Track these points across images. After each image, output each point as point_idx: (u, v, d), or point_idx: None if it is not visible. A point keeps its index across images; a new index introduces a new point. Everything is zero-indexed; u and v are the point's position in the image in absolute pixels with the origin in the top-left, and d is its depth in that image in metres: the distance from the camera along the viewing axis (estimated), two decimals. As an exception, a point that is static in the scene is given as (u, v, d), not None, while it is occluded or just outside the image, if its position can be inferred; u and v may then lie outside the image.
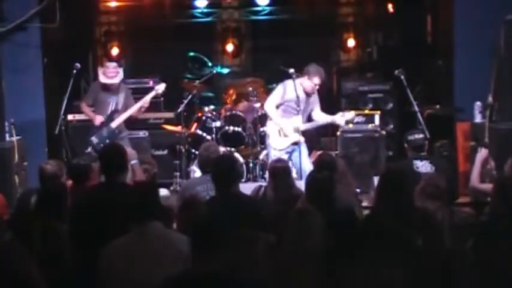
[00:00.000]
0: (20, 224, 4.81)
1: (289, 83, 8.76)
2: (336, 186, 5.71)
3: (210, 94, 12.15)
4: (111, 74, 9.06)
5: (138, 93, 9.50)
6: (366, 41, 13.40)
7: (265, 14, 12.86)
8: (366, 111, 10.47)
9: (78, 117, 10.34)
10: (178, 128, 10.27)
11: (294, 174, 8.27)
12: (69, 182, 6.31)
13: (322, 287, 4.17)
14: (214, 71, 11.74)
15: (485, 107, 8.49)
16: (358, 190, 7.52)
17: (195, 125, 10.41)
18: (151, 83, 10.69)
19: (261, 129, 9.82)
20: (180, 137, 10.24)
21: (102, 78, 9.07)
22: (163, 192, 8.61)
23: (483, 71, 8.57)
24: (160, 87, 9.25)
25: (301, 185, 6.27)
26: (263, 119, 9.59)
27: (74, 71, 9.25)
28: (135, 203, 4.42)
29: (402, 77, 9.11)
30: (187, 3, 12.65)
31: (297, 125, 8.65)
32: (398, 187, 5.24)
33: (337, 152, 10.01)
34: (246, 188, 6.47)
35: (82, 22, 11.66)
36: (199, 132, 10.25)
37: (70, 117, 10.24)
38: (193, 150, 10.01)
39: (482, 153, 7.14)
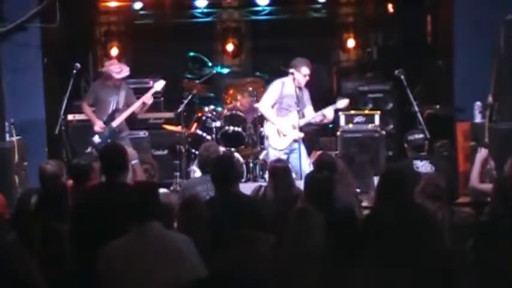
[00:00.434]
0: (20, 224, 4.82)
1: (284, 80, 8.77)
2: (336, 186, 5.72)
3: (210, 94, 12.15)
4: (117, 69, 9.08)
5: (139, 93, 9.49)
6: (366, 41, 13.40)
7: (265, 14, 12.86)
8: (366, 111, 10.47)
9: (78, 117, 10.33)
10: (179, 128, 10.27)
11: (294, 175, 8.27)
12: (70, 182, 6.31)
13: (322, 287, 4.17)
14: (214, 71, 11.74)
15: (485, 107, 8.49)
16: (358, 190, 7.52)
17: (195, 125, 10.41)
18: (151, 83, 10.69)
19: (261, 129, 9.82)
20: (180, 137, 10.24)
21: (116, 75, 9.07)
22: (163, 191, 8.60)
23: (483, 71, 8.57)
24: (160, 84, 9.26)
25: (301, 185, 6.27)
26: (263, 119, 9.59)
27: (74, 71, 9.25)
28: (135, 203, 4.42)
29: (402, 77, 9.12)
30: (187, 3, 12.65)
31: (294, 122, 8.64)
32: (398, 187, 5.24)
33: (337, 152, 10.01)
34: (246, 188, 6.47)
35: (82, 22, 11.66)
36: (199, 132, 10.25)
37: (70, 117, 10.24)
38: (193, 150, 10.01)
39: (482, 153, 7.13)
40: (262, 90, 10.81)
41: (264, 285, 3.71)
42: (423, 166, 7.05)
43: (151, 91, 9.18)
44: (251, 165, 9.84)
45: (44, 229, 4.82)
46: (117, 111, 9.04)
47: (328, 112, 8.75)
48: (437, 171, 6.91)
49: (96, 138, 8.91)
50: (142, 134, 10.26)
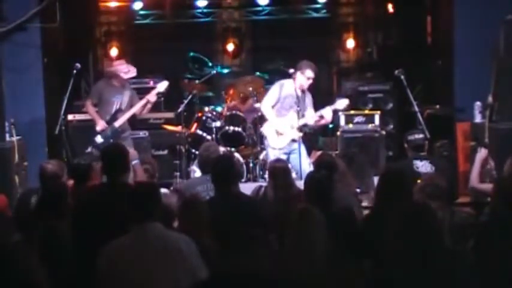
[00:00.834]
0: (20, 224, 4.82)
1: (285, 81, 8.80)
2: (336, 186, 5.72)
3: (210, 94, 12.16)
4: (125, 69, 9.09)
5: (139, 93, 9.48)
6: (366, 41, 13.40)
7: (265, 14, 12.87)
8: (366, 111, 10.47)
9: (78, 117, 10.34)
10: (179, 128, 10.27)
11: (294, 175, 8.27)
12: (70, 182, 6.32)
13: (326, 286, 4.17)
14: (214, 71, 11.74)
15: (485, 107, 8.49)
16: (358, 190, 7.52)
17: (195, 125, 10.41)
18: (151, 83, 10.70)
19: (261, 129, 9.83)
20: (180, 137, 10.24)
21: (124, 75, 9.07)
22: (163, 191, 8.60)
23: (483, 71, 8.57)
24: (163, 85, 9.26)
25: (301, 185, 6.27)
26: (263, 119, 9.60)
27: (74, 71, 9.25)
28: (136, 204, 4.42)
29: (402, 77, 9.12)
30: (187, 3, 12.66)
31: (292, 122, 8.65)
32: (398, 187, 5.24)
33: (337, 152, 10.01)
34: (246, 188, 6.48)
35: (82, 22, 11.65)
36: (200, 132, 10.25)
37: (70, 117, 10.24)
38: (193, 150, 10.01)
39: (481, 153, 7.13)
40: (262, 90, 10.82)
41: (265, 285, 3.70)
42: (423, 166, 7.05)
43: (155, 91, 9.17)
44: (251, 165, 9.84)
45: (44, 229, 4.82)
46: (120, 112, 9.03)
47: (326, 113, 8.74)
48: (437, 171, 6.91)
49: (99, 138, 8.91)
50: (143, 134, 10.26)
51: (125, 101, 9.07)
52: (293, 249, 4.32)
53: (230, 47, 13.30)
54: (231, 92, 11.22)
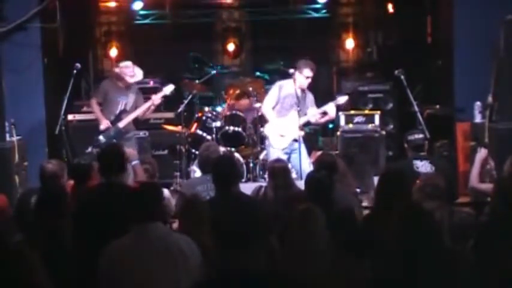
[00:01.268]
0: (20, 224, 4.82)
1: (285, 81, 8.83)
2: (336, 186, 5.72)
3: (210, 94, 12.16)
4: (131, 73, 9.06)
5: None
6: (366, 41, 13.40)
7: (265, 14, 12.86)
8: (366, 111, 10.48)
9: (78, 117, 10.35)
10: (179, 128, 10.27)
11: (294, 175, 8.28)
12: (71, 182, 6.31)
13: (327, 286, 4.18)
14: (214, 71, 11.74)
15: (485, 107, 8.49)
16: (358, 190, 7.52)
17: (195, 125, 10.42)
18: (151, 83, 10.70)
19: (261, 129, 9.84)
20: (180, 137, 10.24)
21: (129, 79, 9.04)
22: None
23: (483, 71, 8.57)
24: (169, 88, 9.25)
25: (301, 185, 6.27)
26: (263, 119, 9.61)
27: (74, 71, 9.25)
28: (138, 204, 4.41)
29: (402, 77, 9.12)
30: (187, 3, 12.65)
31: (293, 121, 8.66)
32: (398, 187, 5.24)
33: (337, 152, 10.01)
34: (246, 188, 6.47)
35: (82, 22, 11.65)
36: (200, 132, 10.25)
37: (70, 117, 10.25)
38: (193, 150, 10.01)
39: (481, 153, 7.13)
40: (262, 91, 10.84)
41: (265, 285, 3.71)
42: (423, 166, 7.05)
43: (161, 94, 9.17)
44: (251, 165, 9.85)
45: (43, 228, 4.82)
46: (124, 112, 9.02)
47: (330, 109, 8.77)
48: (437, 171, 6.90)
49: (101, 138, 8.91)
50: (143, 134, 10.26)
51: (130, 102, 9.06)
52: (296, 249, 4.32)
53: (230, 47, 13.30)
54: (231, 92, 11.23)
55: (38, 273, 3.95)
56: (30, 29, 9.46)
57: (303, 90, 8.76)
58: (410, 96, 9.14)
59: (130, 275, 4.24)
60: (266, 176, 7.90)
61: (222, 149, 9.09)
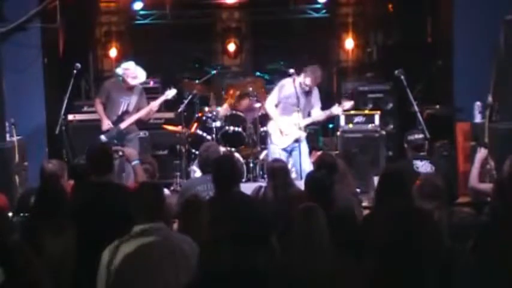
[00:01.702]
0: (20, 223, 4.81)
1: (286, 81, 8.88)
2: (336, 186, 5.72)
3: (210, 94, 12.15)
4: (133, 75, 9.05)
5: (139, 94, 9.49)
6: (366, 41, 13.41)
7: (265, 14, 12.87)
8: (366, 111, 10.48)
9: (78, 117, 10.36)
10: (179, 128, 10.28)
11: (294, 174, 8.29)
12: (71, 182, 6.31)
13: (327, 285, 4.18)
14: (214, 71, 11.75)
15: (485, 107, 8.49)
16: (358, 190, 7.52)
17: (195, 125, 10.42)
18: (151, 83, 10.70)
19: (261, 129, 9.84)
20: (181, 137, 10.24)
21: (131, 81, 9.03)
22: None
23: (483, 71, 8.57)
24: (171, 92, 9.26)
25: (301, 185, 6.27)
26: (263, 119, 9.62)
27: (74, 71, 9.25)
28: (140, 204, 4.41)
29: (402, 77, 9.12)
30: (187, 3, 12.66)
31: (296, 121, 8.68)
32: (398, 187, 5.24)
33: (337, 152, 10.02)
34: (246, 188, 6.46)
35: (82, 22, 11.66)
36: (200, 132, 10.25)
37: (70, 117, 10.26)
38: (193, 150, 10.02)
39: (482, 153, 7.13)
40: (262, 91, 10.84)
41: (265, 285, 3.71)
42: (423, 166, 7.05)
43: (162, 98, 9.19)
44: (251, 165, 9.86)
45: (42, 228, 4.81)
46: (126, 113, 9.02)
47: (336, 111, 8.92)
48: (437, 171, 6.91)
49: (103, 138, 8.91)
50: (143, 134, 10.25)
51: (133, 103, 9.05)
52: (297, 249, 4.31)
53: (230, 47, 13.31)
54: (231, 92, 11.23)
55: (36, 273, 3.95)
56: (30, 29, 9.47)
57: (307, 91, 8.78)
58: (410, 96, 9.14)
59: (131, 275, 4.24)
60: (266, 176, 7.91)
61: (222, 149, 9.10)
